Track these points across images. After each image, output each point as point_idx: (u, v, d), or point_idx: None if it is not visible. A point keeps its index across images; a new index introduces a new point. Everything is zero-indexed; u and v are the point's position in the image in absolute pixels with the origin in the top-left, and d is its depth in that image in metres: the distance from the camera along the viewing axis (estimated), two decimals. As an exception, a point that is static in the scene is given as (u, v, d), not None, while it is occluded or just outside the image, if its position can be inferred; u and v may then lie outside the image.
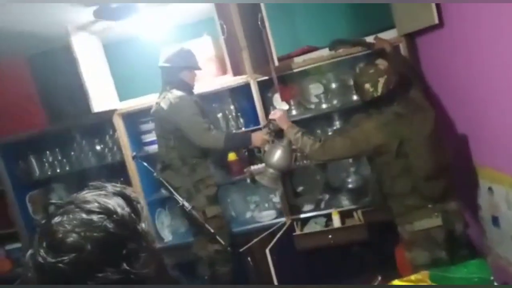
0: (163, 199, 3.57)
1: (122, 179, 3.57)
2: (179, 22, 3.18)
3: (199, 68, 2.88)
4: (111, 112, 3.18)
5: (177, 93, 2.71)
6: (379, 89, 2.27)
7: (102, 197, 0.70)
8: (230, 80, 3.05)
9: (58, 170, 3.53)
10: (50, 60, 3.12)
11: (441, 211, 2.25)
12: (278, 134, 2.61)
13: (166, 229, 3.50)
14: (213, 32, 3.21)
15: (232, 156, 3.35)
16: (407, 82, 2.41)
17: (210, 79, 3.10)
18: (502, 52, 1.85)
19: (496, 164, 2.20)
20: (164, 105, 2.72)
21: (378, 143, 2.26)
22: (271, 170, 2.53)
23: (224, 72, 3.24)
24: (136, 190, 3.31)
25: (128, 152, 3.24)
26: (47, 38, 2.87)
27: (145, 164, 2.83)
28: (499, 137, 2.11)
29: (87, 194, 0.71)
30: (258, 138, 2.65)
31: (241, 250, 2.97)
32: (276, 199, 3.52)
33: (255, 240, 3.02)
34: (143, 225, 0.71)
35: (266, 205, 3.50)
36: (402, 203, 2.31)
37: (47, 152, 3.57)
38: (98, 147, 3.54)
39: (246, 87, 3.07)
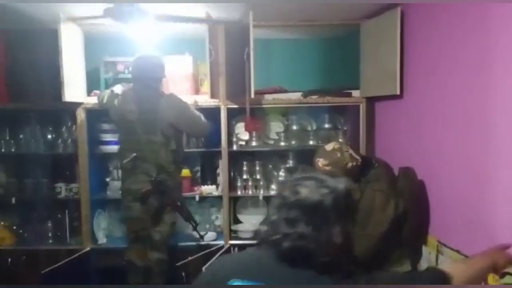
0: (105, 201, 3.54)
1: (68, 172, 3.52)
2: (165, 35, 3.28)
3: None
4: (77, 105, 3.16)
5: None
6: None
7: None
8: (202, 101, 3.19)
9: (2, 150, 3.40)
10: (29, 40, 3.06)
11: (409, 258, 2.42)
12: None
13: (101, 231, 3.46)
14: (193, 53, 3.39)
15: (185, 173, 3.44)
16: None
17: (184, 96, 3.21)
18: (455, 126, 2.15)
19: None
20: (157, 104, 2.83)
21: (399, 212, 2.28)
22: None
23: (196, 92, 3.38)
24: (82, 186, 3.27)
25: (84, 147, 3.22)
26: (32, 18, 2.85)
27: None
28: (435, 204, 2.42)
29: None
30: None
31: (178, 264, 3.03)
32: (217, 222, 3.64)
33: (193, 257, 3.10)
34: None
35: (207, 226, 3.60)
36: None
37: (-4, 129, 3.43)
38: (50, 136, 3.47)
39: (215, 110, 3.22)
